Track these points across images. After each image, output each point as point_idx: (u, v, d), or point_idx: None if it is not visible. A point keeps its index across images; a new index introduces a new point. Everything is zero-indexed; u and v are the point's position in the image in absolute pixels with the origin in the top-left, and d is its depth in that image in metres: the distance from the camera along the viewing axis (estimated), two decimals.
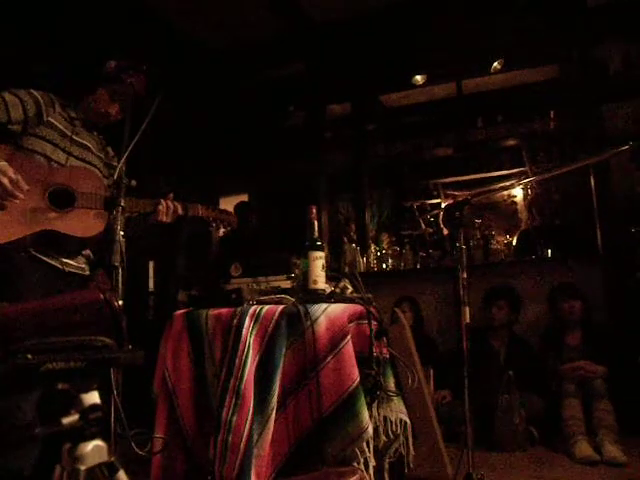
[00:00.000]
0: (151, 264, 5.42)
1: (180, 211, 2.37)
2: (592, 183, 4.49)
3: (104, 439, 0.88)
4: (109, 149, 2.56)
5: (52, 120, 2.27)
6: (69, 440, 0.91)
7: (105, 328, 0.91)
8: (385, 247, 5.29)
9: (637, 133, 4.68)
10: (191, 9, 4.83)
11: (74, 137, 2.34)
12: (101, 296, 0.93)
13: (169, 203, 2.34)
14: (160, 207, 2.31)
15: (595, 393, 3.50)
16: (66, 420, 0.85)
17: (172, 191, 2.40)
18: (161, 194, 2.36)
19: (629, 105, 4.98)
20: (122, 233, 1.74)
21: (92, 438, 0.87)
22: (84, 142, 2.39)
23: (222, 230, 2.60)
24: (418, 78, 5.42)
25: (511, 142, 6.16)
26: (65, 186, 2.17)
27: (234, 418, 1.76)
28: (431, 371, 3.56)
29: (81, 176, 2.24)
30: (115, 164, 2.51)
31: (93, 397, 0.85)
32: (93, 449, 0.91)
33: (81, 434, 0.90)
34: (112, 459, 0.93)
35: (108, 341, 0.84)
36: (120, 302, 0.95)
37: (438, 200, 6.49)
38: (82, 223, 2.17)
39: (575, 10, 4.51)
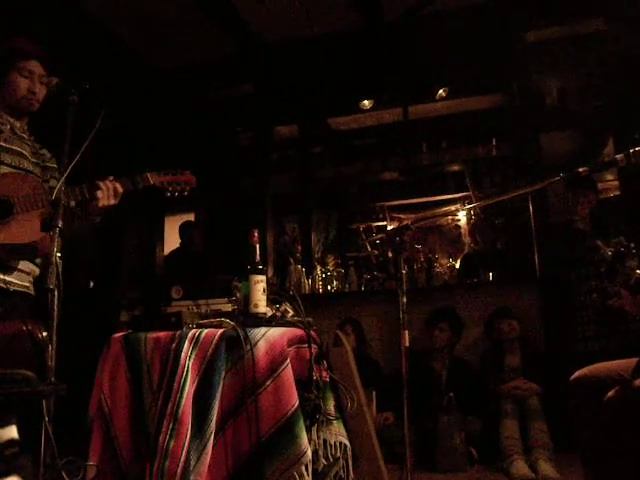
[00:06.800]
0: (92, 284, 5.29)
1: (120, 189, 2.23)
2: (531, 209, 4.66)
3: (21, 474, 0.84)
4: (45, 151, 2.45)
5: None
6: None
7: (27, 360, 0.87)
8: (331, 269, 5.31)
9: (571, 163, 4.89)
10: (143, 29, 4.82)
11: (2, 144, 2.24)
12: (24, 328, 0.90)
13: (108, 184, 2.20)
14: (99, 192, 2.18)
15: (531, 412, 3.63)
16: None
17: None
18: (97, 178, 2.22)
19: (564, 135, 5.21)
20: (59, 255, 1.70)
21: (7, 475, 0.82)
22: (15, 148, 2.28)
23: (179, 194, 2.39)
24: (366, 103, 5.52)
25: (455, 167, 6.31)
26: None
27: (171, 443, 1.73)
28: (374, 393, 3.59)
29: (12, 181, 2.14)
30: (52, 165, 2.43)
31: (10, 432, 0.81)
32: None
33: None
34: None
35: (29, 374, 0.80)
36: (44, 333, 0.92)
37: (384, 222, 6.58)
38: (26, 228, 2.08)
39: (514, 44, 4.71)
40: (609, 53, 4.45)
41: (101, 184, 2.19)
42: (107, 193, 2.20)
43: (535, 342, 4.25)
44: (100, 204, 2.19)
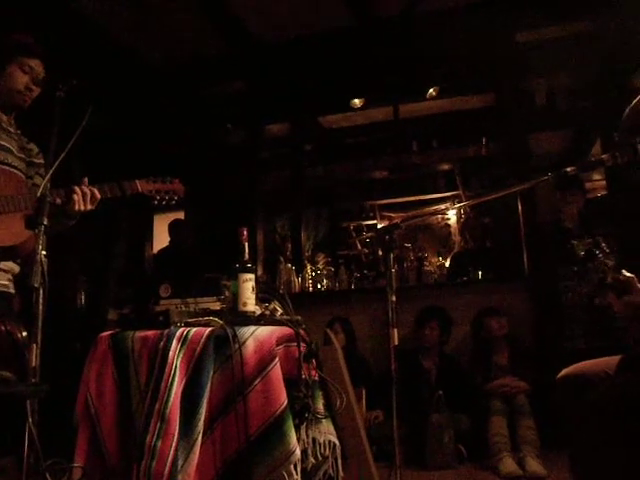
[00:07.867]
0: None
1: (98, 195, 2.16)
2: (520, 208, 4.68)
3: (3, 477, 0.83)
4: (32, 146, 2.40)
5: None
6: None
7: (6, 361, 0.86)
8: (321, 267, 5.31)
9: (559, 162, 4.93)
10: (134, 25, 4.79)
11: None
12: (2, 328, 0.88)
13: (84, 189, 2.12)
14: (75, 196, 2.10)
15: (519, 410, 3.66)
16: None
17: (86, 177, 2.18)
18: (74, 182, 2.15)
19: (553, 135, 5.23)
20: (44, 253, 1.67)
21: None
22: (1, 142, 2.23)
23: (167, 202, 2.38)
24: (356, 101, 5.52)
25: (445, 166, 6.33)
26: None
27: (158, 443, 1.72)
28: (363, 391, 3.59)
29: None
30: (39, 161, 2.38)
31: None
32: None
33: None
34: None
35: (7, 375, 0.79)
36: (24, 333, 0.91)
37: (374, 221, 6.59)
38: (9, 231, 2.03)
39: (504, 44, 4.73)
40: (597, 53, 4.47)
41: (77, 188, 2.13)
42: (83, 197, 2.13)
43: (523, 340, 4.27)
44: (76, 207, 2.11)
